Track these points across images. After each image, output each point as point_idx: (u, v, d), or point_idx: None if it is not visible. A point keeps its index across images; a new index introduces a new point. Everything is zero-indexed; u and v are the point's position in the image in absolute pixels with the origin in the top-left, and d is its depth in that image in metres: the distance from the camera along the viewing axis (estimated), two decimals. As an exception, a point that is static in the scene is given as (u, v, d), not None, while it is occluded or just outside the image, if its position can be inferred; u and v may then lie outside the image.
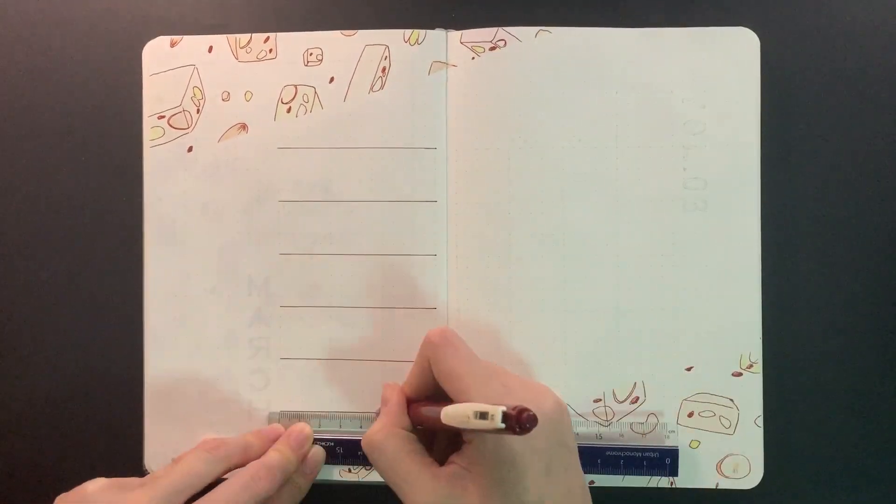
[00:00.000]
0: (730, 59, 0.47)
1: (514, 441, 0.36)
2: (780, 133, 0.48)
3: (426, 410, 0.40)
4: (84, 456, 0.49)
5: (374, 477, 0.48)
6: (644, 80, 0.47)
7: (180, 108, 0.48)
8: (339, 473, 0.48)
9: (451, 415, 0.36)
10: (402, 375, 0.47)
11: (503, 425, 0.33)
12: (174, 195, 0.48)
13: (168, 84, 0.48)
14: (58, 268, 0.49)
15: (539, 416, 0.33)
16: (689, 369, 0.47)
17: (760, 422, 0.47)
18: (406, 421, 0.42)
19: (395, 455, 0.40)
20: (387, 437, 0.40)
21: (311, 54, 0.48)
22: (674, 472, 0.46)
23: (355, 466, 0.48)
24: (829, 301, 0.48)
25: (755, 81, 0.47)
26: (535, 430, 0.33)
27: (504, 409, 0.33)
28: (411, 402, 0.43)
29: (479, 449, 0.37)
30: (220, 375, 0.48)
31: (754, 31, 0.47)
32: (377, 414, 0.44)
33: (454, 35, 0.48)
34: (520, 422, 0.32)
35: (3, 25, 0.50)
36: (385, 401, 0.43)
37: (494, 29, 0.47)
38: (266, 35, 0.48)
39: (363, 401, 0.48)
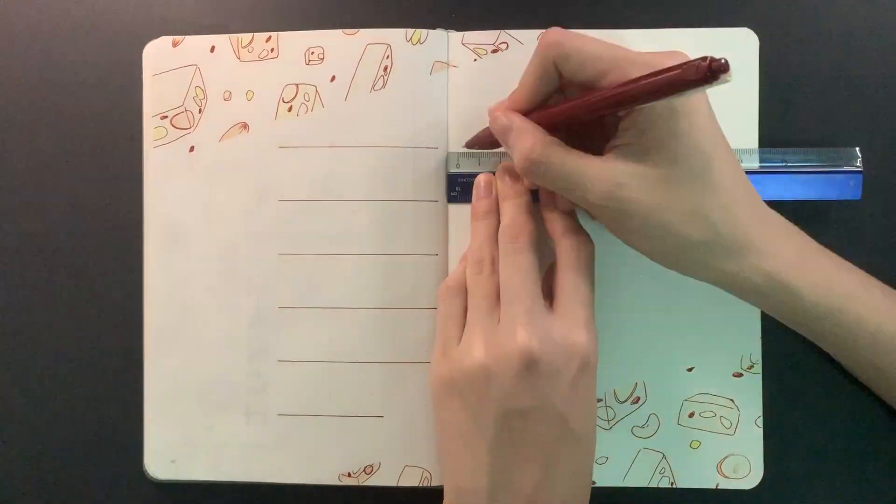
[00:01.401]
0: (730, 59, 0.47)
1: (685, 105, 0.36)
2: (780, 133, 0.48)
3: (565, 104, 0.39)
4: (84, 456, 0.49)
5: (375, 482, 0.48)
6: (645, 80, 0.47)
7: (182, 108, 0.48)
8: (339, 477, 0.48)
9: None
10: (403, 377, 0.47)
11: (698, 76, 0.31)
12: (175, 195, 0.48)
13: (170, 84, 0.48)
14: (58, 268, 0.49)
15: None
16: (689, 370, 0.47)
17: (760, 422, 0.47)
18: (542, 130, 0.40)
19: (563, 157, 0.39)
20: (544, 146, 0.39)
21: (312, 53, 0.48)
22: (857, 193, 0.46)
23: (355, 470, 0.48)
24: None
25: (755, 81, 0.47)
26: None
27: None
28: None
29: (645, 125, 0.37)
30: (219, 376, 0.48)
31: (754, 31, 0.47)
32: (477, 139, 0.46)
33: (456, 36, 0.48)
34: (713, 70, 0.31)
35: (4, 25, 0.50)
36: (507, 127, 0.41)
37: (496, 31, 0.47)
38: (268, 34, 0.48)
39: (363, 403, 0.47)
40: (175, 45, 0.48)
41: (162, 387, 0.48)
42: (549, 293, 0.42)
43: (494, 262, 0.42)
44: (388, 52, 0.47)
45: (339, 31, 0.48)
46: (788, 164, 0.46)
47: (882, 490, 0.47)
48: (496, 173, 0.45)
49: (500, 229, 0.43)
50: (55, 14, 0.50)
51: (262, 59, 0.48)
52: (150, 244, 0.48)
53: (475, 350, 0.40)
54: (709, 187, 0.38)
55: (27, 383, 0.50)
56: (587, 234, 0.42)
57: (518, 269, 0.41)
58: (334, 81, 0.48)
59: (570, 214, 0.43)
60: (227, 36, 0.48)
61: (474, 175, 0.46)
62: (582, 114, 0.39)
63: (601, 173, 0.38)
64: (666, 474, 0.47)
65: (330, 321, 0.48)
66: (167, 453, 0.48)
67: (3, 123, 0.49)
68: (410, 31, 0.47)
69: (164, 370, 0.48)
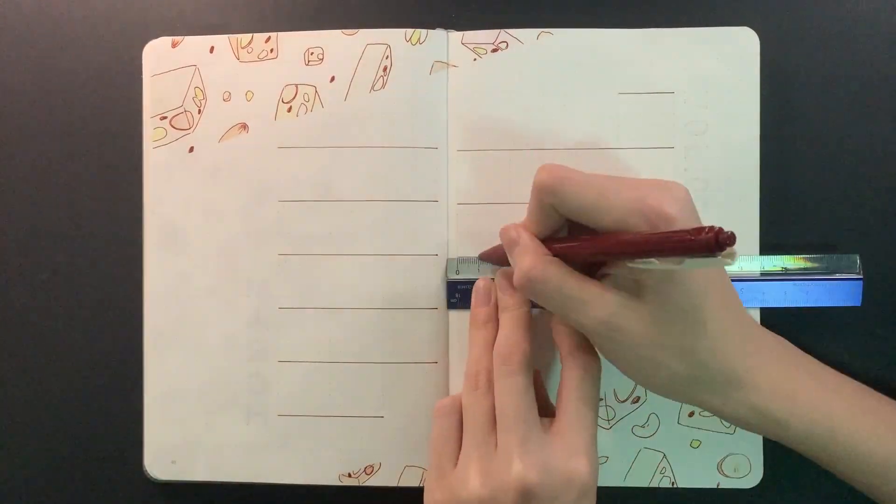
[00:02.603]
0: (730, 58, 0.47)
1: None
2: (780, 133, 0.48)
3: (592, 242, 0.39)
4: (84, 456, 0.49)
5: (375, 482, 0.48)
6: (645, 80, 0.47)
7: (182, 109, 0.48)
8: (340, 478, 0.48)
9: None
10: (403, 377, 0.47)
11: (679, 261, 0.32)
12: (175, 196, 0.48)
13: (169, 85, 0.48)
14: (58, 268, 0.49)
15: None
16: (689, 369, 0.47)
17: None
18: (545, 248, 0.41)
19: (561, 279, 0.39)
20: (544, 265, 0.39)
21: (311, 54, 0.48)
22: (857, 300, 0.46)
23: (355, 471, 0.48)
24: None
25: (755, 81, 0.47)
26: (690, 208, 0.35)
27: (676, 260, 0.32)
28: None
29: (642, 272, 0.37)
30: (219, 377, 0.48)
31: (754, 30, 0.47)
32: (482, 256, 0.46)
33: (455, 36, 0.48)
34: (720, 243, 0.30)
35: (3, 26, 0.50)
36: (514, 241, 0.41)
37: (496, 31, 0.47)
38: (267, 35, 0.48)
39: (363, 403, 0.47)
40: (174, 45, 0.48)
41: (162, 387, 0.48)
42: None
43: (490, 377, 0.42)
44: (388, 53, 0.47)
45: (338, 32, 0.48)
46: (788, 272, 0.46)
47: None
48: (495, 278, 0.45)
49: (495, 347, 0.43)
50: (54, 14, 0.49)
51: (261, 60, 0.48)
52: (150, 244, 0.48)
53: (471, 481, 0.40)
54: (699, 326, 0.38)
55: (27, 383, 0.50)
56: (594, 354, 0.42)
57: (511, 394, 0.41)
58: (334, 82, 0.48)
59: (579, 333, 0.42)
60: (226, 36, 0.48)
61: (474, 282, 0.46)
62: (582, 258, 0.40)
63: (596, 300, 0.38)
64: (667, 474, 0.47)
65: (330, 321, 0.48)
66: (167, 453, 0.48)
67: (3, 123, 0.49)
68: (410, 31, 0.47)
69: (164, 370, 0.48)
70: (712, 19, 0.48)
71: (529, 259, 0.40)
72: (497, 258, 0.46)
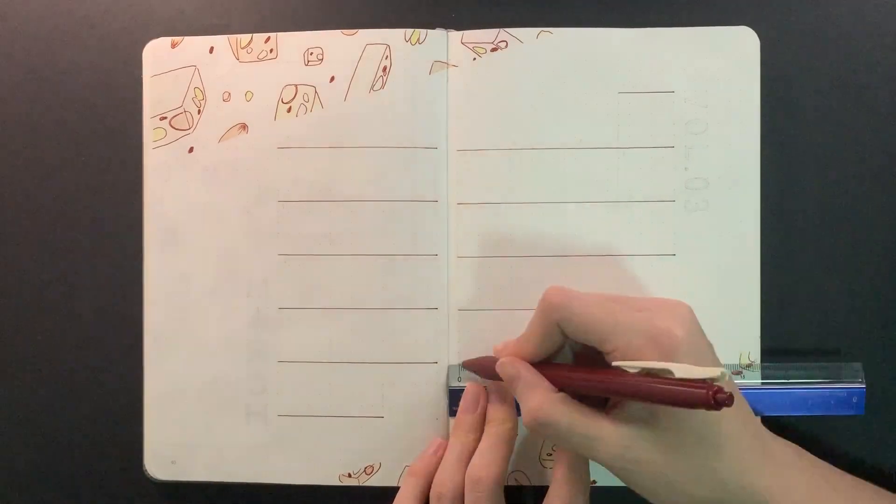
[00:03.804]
0: (731, 58, 0.47)
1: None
2: (780, 133, 0.48)
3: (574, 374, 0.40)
4: (84, 457, 0.49)
5: (375, 482, 0.48)
6: (645, 80, 0.47)
7: (181, 109, 0.48)
8: (340, 478, 0.48)
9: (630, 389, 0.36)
10: (403, 377, 0.47)
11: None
12: (175, 196, 0.48)
13: (169, 85, 0.48)
14: (58, 269, 0.49)
15: (689, 330, 0.37)
16: (689, 369, 0.47)
17: (759, 421, 0.47)
18: (548, 384, 0.40)
19: (570, 419, 0.39)
20: (552, 406, 0.39)
21: (311, 54, 0.48)
22: (860, 409, 0.46)
23: (355, 471, 0.48)
24: (829, 300, 0.48)
25: (755, 81, 0.47)
26: (687, 342, 0.36)
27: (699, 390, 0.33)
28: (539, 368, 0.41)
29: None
30: (219, 377, 0.48)
31: (754, 30, 0.47)
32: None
33: (455, 35, 0.48)
34: (718, 402, 0.32)
35: (3, 26, 0.50)
36: (515, 377, 0.41)
37: (496, 30, 0.47)
38: (267, 35, 0.48)
39: (363, 404, 0.47)
40: (174, 45, 0.48)
41: (162, 387, 0.48)
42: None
43: (456, 497, 0.43)
44: (388, 53, 0.47)
45: (338, 32, 0.48)
46: (790, 381, 0.46)
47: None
48: (488, 388, 0.45)
49: (470, 466, 0.43)
50: (54, 14, 0.49)
51: (261, 60, 0.48)
52: (150, 245, 0.48)
53: None
54: (717, 449, 0.37)
55: (27, 383, 0.50)
56: (583, 485, 0.43)
57: None
58: (333, 82, 0.48)
59: (577, 459, 0.43)
60: (226, 37, 0.48)
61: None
62: (585, 390, 0.39)
63: (609, 436, 0.38)
64: (666, 474, 0.47)
65: (330, 321, 0.48)
66: (167, 454, 0.48)
67: (3, 123, 0.49)
68: (409, 31, 0.47)
69: (164, 370, 0.48)
70: (712, 19, 0.48)
71: (537, 399, 0.39)
72: (482, 370, 0.46)
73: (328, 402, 0.48)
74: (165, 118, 0.48)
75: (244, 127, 0.48)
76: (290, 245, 0.48)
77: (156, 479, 0.48)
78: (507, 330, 0.47)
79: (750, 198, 0.47)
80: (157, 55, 0.48)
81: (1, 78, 0.50)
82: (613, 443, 0.38)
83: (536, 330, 0.41)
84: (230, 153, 0.48)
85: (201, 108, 0.48)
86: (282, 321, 0.48)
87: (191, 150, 0.48)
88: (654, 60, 0.47)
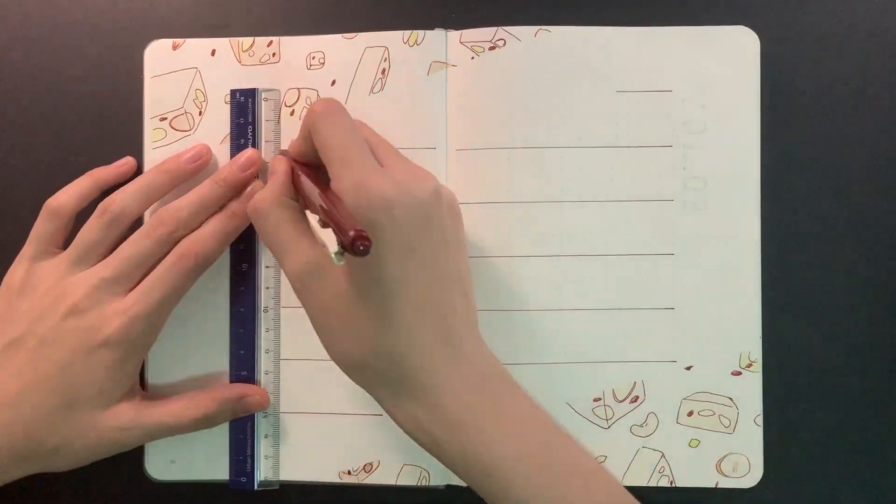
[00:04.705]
0: (730, 58, 0.47)
1: (378, 213, 0.37)
2: (780, 133, 0.47)
3: (304, 185, 0.41)
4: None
5: (374, 480, 0.48)
6: (644, 79, 0.47)
7: (182, 111, 0.49)
8: (339, 475, 0.48)
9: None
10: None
11: (340, 252, 0.35)
12: (175, 196, 0.48)
13: (170, 86, 0.49)
14: (61, 268, 0.50)
15: (410, 201, 0.37)
16: (688, 368, 0.47)
17: (760, 420, 0.47)
18: (292, 191, 0.42)
19: (276, 222, 0.40)
20: (272, 204, 0.41)
21: (313, 58, 0.48)
22: None
23: (354, 468, 0.48)
24: (829, 300, 0.47)
25: (755, 81, 0.47)
26: (401, 210, 0.36)
27: (336, 250, 0.36)
28: (298, 170, 0.42)
29: None
30: (220, 375, 0.48)
31: (754, 30, 0.47)
32: None
33: (454, 35, 0.48)
34: (353, 248, 0.34)
35: (4, 27, 0.50)
36: (273, 171, 0.42)
37: (494, 28, 0.48)
38: (269, 39, 0.48)
39: (365, 402, 0.47)
40: (175, 47, 0.49)
41: (162, 386, 0.48)
42: None
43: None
44: (386, 55, 0.48)
45: (338, 36, 0.48)
46: None
47: (882, 489, 0.47)
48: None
49: (193, 234, 0.45)
50: (55, 15, 0.50)
51: (263, 63, 0.48)
52: (151, 245, 0.49)
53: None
54: (386, 316, 0.38)
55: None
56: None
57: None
58: (335, 85, 0.48)
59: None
60: (227, 40, 0.49)
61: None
62: (302, 198, 0.41)
63: (300, 251, 0.40)
64: (665, 473, 0.47)
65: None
66: (167, 453, 0.48)
67: (4, 124, 0.50)
68: (407, 32, 0.48)
69: (164, 370, 0.49)
70: (712, 18, 0.48)
71: (266, 191, 0.41)
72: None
73: (329, 399, 0.48)
74: (166, 119, 0.49)
75: (246, 129, 0.49)
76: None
77: (156, 480, 0.48)
78: (505, 330, 0.47)
79: (749, 198, 0.47)
80: (158, 56, 0.49)
81: (1, 78, 0.50)
82: (298, 259, 0.40)
83: (301, 131, 0.42)
84: (231, 155, 0.48)
85: (202, 110, 0.49)
86: (284, 319, 0.48)
87: (191, 150, 0.48)
88: (652, 60, 0.47)
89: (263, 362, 0.48)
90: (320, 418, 0.48)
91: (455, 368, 0.40)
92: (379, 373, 0.39)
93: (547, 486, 0.39)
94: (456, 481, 0.47)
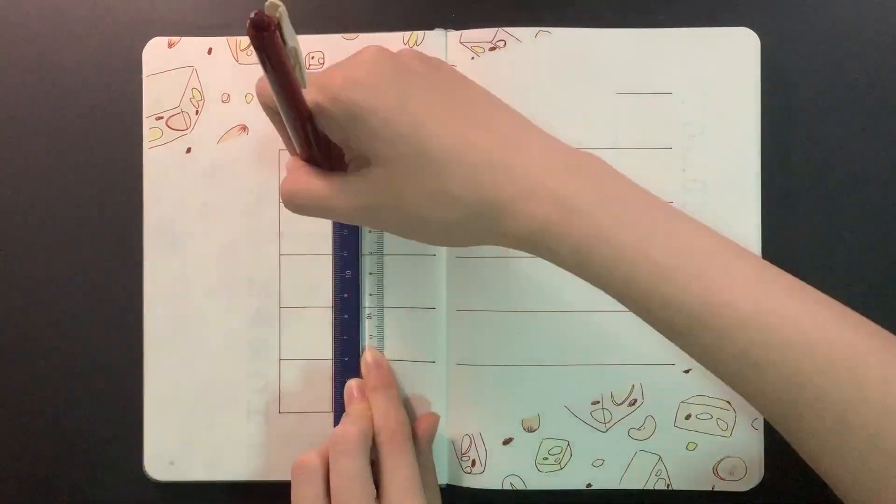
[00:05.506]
0: (730, 59, 0.47)
1: (353, 93, 0.36)
2: (780, 133, 0.47)
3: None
4: (84, 456, 0.50)
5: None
6: (643, 80, 0.47)
7: (179, 110, 0.48)
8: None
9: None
10: (402, 375, 0.48)
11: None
12: (173, 196, 0.48)
13: (166, 85, 0.48)
14: (58, 268, 0.50)
15: (365, 67, 0.36)
16: (686, 372, 0.47)
17: (758, 424, 0.47)
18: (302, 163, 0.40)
19: (309, 183, 0.39)
20: (296, 177, 0.39)
21: (312, 58, 0.48)
22: None
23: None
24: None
25: (755, 81, 0.47)
26: (365, 79, 0.36)
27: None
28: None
29: (345, 136, 0.38)
30: (219, 376, 0.48)
31: (754, 31, 0.47)
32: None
33: (454, 35, 0.47)
34: (251, 23, 0.33)
35: (3, 25, 0.50)
36: (287, 166, 0.41)
37: (494, 29, 0.47)
38: (267, 38, 0.48)
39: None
40: (171, 45, 0.48)
41: (162, 387, 0.48)
42: None
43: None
44: (386, 55, 0.47)
45: (338, 37, 0.48)
46: None
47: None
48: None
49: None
50: (53, 14, 0.49)
51: (260, 62, 0.48)
52: (150, 244, 0.48)
53: None
54: (436, 166, 0.36)
55: (27, 383, 0.50)
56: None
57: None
58: (334, 85, 0.48)
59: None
60: (225, 38, 0.48)
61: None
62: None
63: (342, 189, 0.38)
64: (662, 476, 0.47)
65: (331, 320, 0.48)
66: (167, 454, 0.48)
67: (2, 123, 0.50)
68: (407, 33, 0.47)
69: (164, 370, 0.48)
70: (712, 19, 0.48)
71: (287, 179, 0.40)
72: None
73: (328, 399, 0.48)
74: (162, 118, 0.48)
75: (244, 128, 0.48)
76: (292, 245, 0.48)
77: (155, 480, 0.48)
78: (504, 330, 0.47)
79: (749, 199, 0.47)
80: (156, 55, 0.48)
81: (0, 77, 0.50)
82: (346, 196, 0.38)
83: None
84: (230, 154, 0.48)
85: (199, 109, 0.48)
86: (283, 319, 0.48)
87: (188, 150, 0.48)
88: (652, 61, 0.47)
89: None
90: (320, 418, 0.48)
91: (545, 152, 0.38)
92: (469, 219, 0.37)
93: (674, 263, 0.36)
94: (456, 481, 0.47)
